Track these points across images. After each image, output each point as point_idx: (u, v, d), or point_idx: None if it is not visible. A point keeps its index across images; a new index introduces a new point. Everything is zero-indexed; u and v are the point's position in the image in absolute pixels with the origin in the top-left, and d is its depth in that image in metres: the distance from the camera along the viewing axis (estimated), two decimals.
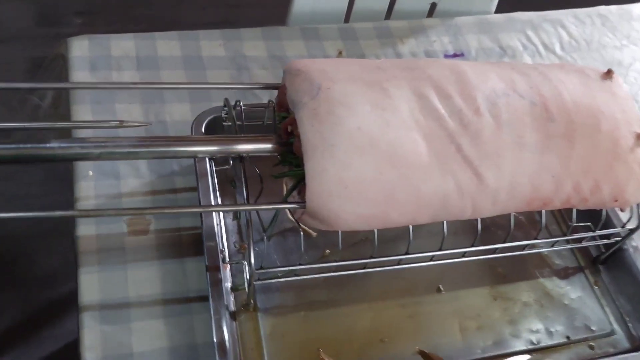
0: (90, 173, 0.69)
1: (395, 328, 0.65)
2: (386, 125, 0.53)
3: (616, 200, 0.61)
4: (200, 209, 0.57)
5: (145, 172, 0.71)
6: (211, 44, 0.90)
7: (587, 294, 0.72)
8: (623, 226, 0.68)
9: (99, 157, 0.50)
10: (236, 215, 0.68)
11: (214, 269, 0.59)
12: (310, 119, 0.51)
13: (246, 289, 0.60)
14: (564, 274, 0.73)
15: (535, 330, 0.68)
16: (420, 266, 0.63)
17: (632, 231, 0.68)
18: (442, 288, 0.69)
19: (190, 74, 0.86)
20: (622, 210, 0.65)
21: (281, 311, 0.63)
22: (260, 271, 0.57)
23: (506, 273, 0.72)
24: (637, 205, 0.65)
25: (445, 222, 0.60)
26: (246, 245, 0.67)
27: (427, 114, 0.56)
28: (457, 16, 1.02)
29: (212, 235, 0.62)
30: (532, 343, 0.67)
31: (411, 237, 0.59)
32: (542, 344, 0.67)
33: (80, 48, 0.82)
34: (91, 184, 0.68)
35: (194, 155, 0.56)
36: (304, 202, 0.51)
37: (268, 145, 0.57)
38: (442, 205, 0.55)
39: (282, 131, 0.57)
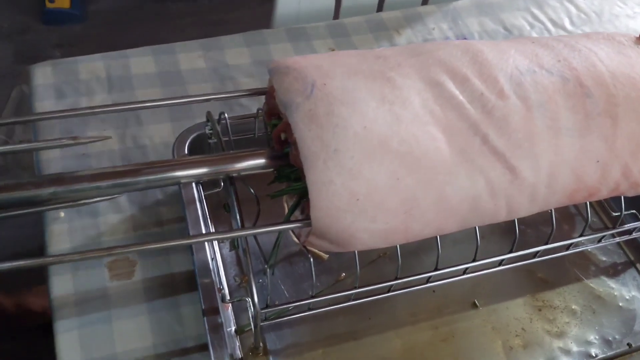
0: (62, 214, 0.60)
1: (429, 355, 0.56)
2: (397, 121, 0.45)
3: None
4: (189, 241, 0.47)
5: (126, 205, 0.62)
6: (190, 56, 0.82)
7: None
8: None
9: (51, 199, 0.41)
10: (234, 245, 0.59)
11: (211, 311, 0.50)
12: (307, 122, 0.42)
13: (252, 330, 0.51)
14: (613, 271, 0.64)
15: (590, 340, 0.59)
16: (452, 281, 0.54)
17: None
18: (477, 303, 0.60)
19: (169, 91, 0.77)
20: None
21: (296, 351, 0.54)
22: (266, 310, 0.47)
23: (547, 278, 0.62)
24: None
25: (477, 228, 0.51)
26: (247, 278, 0.58)
27: (443, 103, 0.47)
28: (453, 0, 0.94)
29: (207, 271, 0.53)
30: (588, 357, 0.58)
31: (439, 250, 0.50)
32: (601, 356, 0.58)
33: (43, 75, 0.74)
34: (64, 227, 0.59)
35: (175, 182, 0.47)
36: (309, 220, 0.43)
37: (260, 161, 0.48)
38: (471, 208, 0.46)
39: (274, 141, 0.48)
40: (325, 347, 0.55)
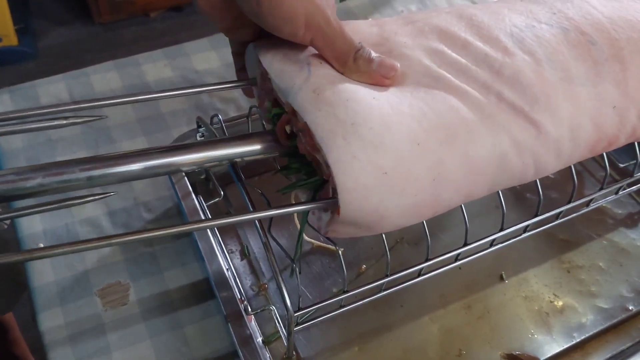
0: (41, 245, 0.55)
1: (468, 335, 0.54)
2: (406, 82, 0.42)
3: None
4: (193, 226, 0.38)
5: (109, 227, 0.58)
6: (155, 67, 0.78)
7: None
8: None
9: (37, 192, 0.36)
10: (244, 253, 0.55)
11: (238, 324, 0.46)
12: (314, 102, 0.38)
13: (283, 338, 0.47)
14: (631, 222, 0.63)
15: (623, 295, 0.57)
16: (478, 257, 0.52)
17: None
18: (504, 275, 0.58)
19: (139, 105, 0.73)
20: None
21: (331, 353, 0.51)
22: (299, 313, 0.44)
23: (569, 238, 0.61)
24: None
25: (500, 195, 0.49)
26: (266, 285, 0.55)
27: (448, 69, 0.44)
28: None
29: (224, 282, 0.49)
30: (626, 311, 0.56)
31: (467, 224, 0.48)
32: (636, 309, 0.56)
33: (1, 105, 0.69)
34: (46, 261, 0.54)
35: (176, 170, 0.41)
36: (334, 198, 0.38)
37: (258, 146, 0.43)
38: (499, 168, 0.43)
39: (280, 136, 0.44)
40: (360, 344, 0.52)
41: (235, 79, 0.49)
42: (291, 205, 0.40)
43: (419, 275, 0.50)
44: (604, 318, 0.55)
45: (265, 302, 0.53)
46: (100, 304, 0.53)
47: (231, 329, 0.47)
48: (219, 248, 0.52)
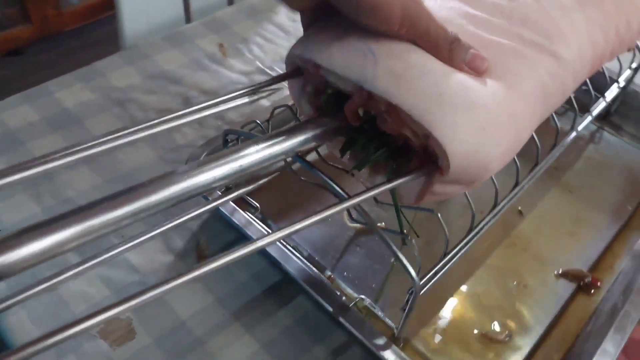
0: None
1: (519, 268, 0.54)
2: None
3: None
4: (271, 238, 0.30)
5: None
6: (71, 92, 0.66)
7: (622, 145, 0.69)
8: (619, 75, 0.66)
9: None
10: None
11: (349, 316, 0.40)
12: (395, 84, 0.37)
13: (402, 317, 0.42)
14: (598, 139, 0.70)
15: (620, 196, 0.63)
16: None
17: (637, 69, 0.66)
18: (522, 210, 0.59)
19: (68, 132, 0.61)
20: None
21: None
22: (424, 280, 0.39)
23: (559, 165, 0.65)
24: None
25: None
26: (332, 277, 0.48)
27: (478, 26, 0.45)
28: None
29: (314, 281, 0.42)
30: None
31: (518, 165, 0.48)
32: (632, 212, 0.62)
33: None
34: (22, 315, 0.42)
35: (238, 174, 0.33)
36: (435, 165, 0.38)
37: (319, 130, 0.38)
38: (545, 99, 0.46)
39: (351, 117, 0.40)
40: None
41: None
42: (389, 181, 0.37)
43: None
44: (616, 217, 0.60)
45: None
46: (105, 345, 0.44)
47: (345, 322, 0.40)
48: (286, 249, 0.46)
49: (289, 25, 0.82)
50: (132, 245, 0.35)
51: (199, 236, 0.53)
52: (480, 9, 0.46)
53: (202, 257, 0.52)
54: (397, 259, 0.38)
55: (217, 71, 0.72)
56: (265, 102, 0.65)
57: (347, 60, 0.38)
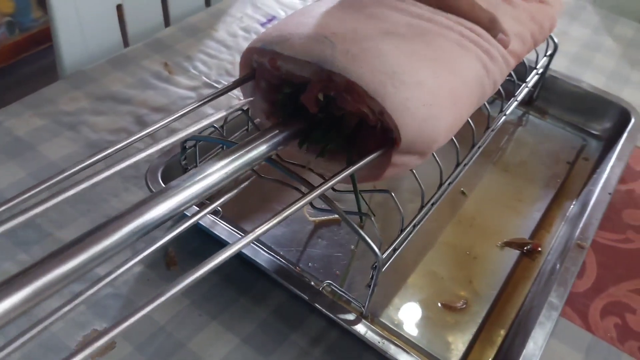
0: None
1: (470, 241, 0.59)
2: (403, 35, 0.46)
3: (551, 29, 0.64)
4: (247, 239, 0.33)
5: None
6: (21, 120, 0.66)
7: (546, 126, 0.76)
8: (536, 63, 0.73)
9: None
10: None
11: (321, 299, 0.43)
12: (353, 62, 0.41)
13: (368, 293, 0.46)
14: (525, 122, 0.76)
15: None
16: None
17: (552, 55, 0.73)
18: (464, 191, 0.65)
19: (22, 159, 0.61)
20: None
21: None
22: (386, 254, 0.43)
23: (495, 148, 0.71)
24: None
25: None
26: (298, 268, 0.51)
27: (421, 22, 0.50)
28: None
29: (284, 271, 0.44)
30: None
31: (458, 147, 0.52)
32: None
33: None
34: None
35: (199, 198, 0.36)
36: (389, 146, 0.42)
37: (292, 130, 0.42)
38: (480, 89, 0.51)
39: (310, 105, 0.44)
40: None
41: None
42: (348, 167, 0.41)
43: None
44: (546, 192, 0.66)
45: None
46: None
47: (319, 307, 0.43)
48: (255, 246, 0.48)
49: (230, 41, 0.85)
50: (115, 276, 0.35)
51: (166, 244, 0.54)
52: (425, 8, 0.50)
53: (171, 264, 0.54)
54: (360, 236, 0.41)
55: (165, 88, 0.74)
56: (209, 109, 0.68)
57: (307, 45, 0.42)
